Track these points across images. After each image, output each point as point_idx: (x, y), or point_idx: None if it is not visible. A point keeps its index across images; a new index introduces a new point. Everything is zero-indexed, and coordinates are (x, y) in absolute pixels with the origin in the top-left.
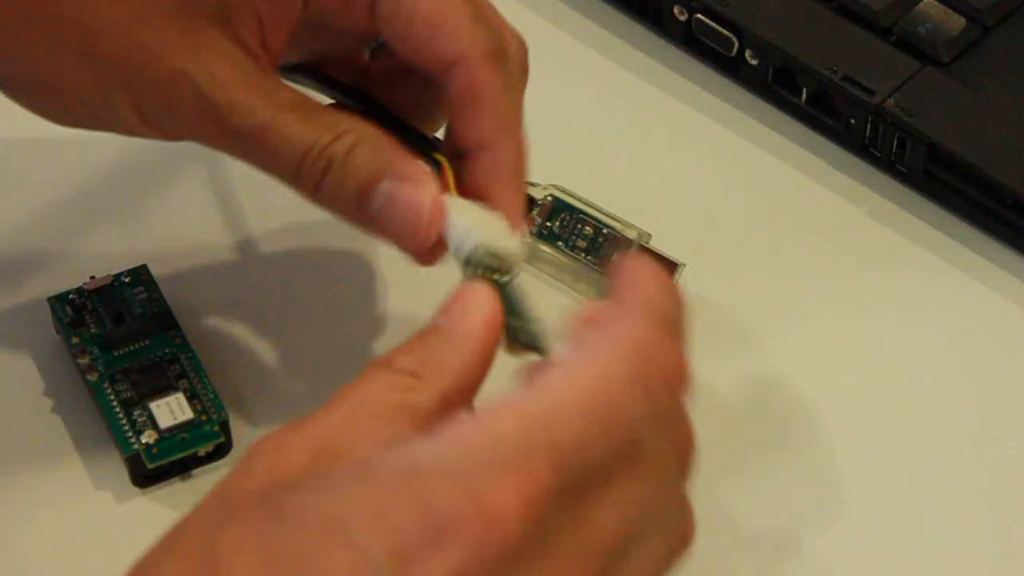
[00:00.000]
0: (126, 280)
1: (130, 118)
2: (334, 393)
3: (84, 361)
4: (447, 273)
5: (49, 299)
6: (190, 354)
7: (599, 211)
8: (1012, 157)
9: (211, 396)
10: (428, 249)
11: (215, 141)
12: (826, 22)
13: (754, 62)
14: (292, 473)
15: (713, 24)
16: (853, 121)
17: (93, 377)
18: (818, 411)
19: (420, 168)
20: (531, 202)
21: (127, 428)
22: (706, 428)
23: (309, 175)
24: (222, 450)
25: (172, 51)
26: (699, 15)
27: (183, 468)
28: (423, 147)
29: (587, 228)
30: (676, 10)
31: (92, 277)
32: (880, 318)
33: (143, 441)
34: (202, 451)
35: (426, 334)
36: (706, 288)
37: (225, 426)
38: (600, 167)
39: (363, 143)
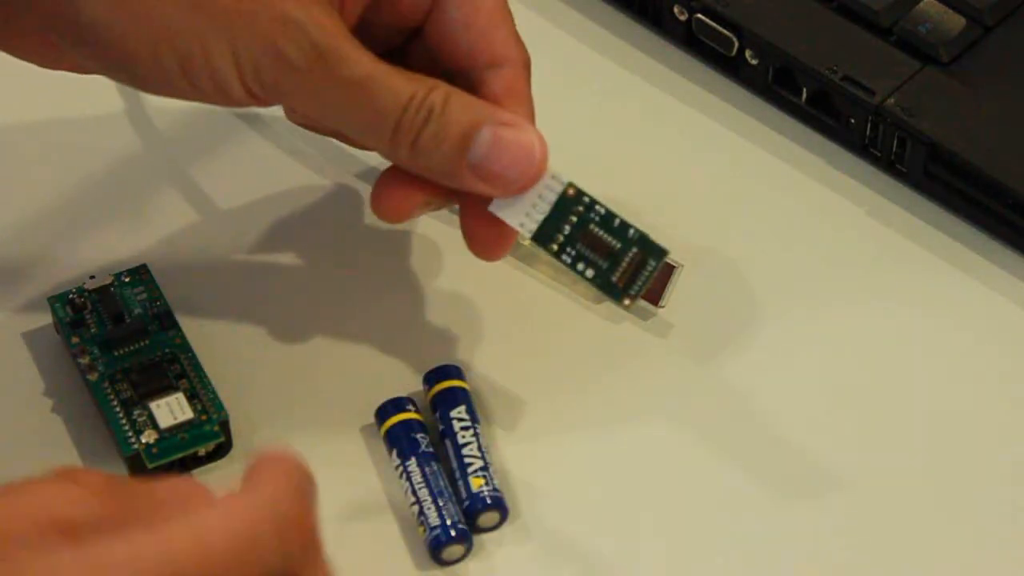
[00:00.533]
0: (126, 280)
1: (221, 69)
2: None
3: (84, 361)
4: (446, 273)
5: (49, 299)
6: (190, 354)
7: None
8: (1012, 157)
9: (211, 396)
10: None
11: (319, 101)
12: (826, 22)
13: (754, 62)
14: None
15: (713, 24)
16: (853, 121)
17: (93, 377)
18: (818, 411)
19: (515, 115)
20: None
21: (127, 428)
22: (706, 427)
23: (409, 126)
24: (222, 450)
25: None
26: (699, 15)
27: (183, 468)
28: None
29: None
30: (676, 10)
31: (92, 277)
32: (880, 318)
33: (143, 441)
34: (202, 451)
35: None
36: (705, 288)
37: (225, 426)
38: (599, 167)
39: (456, 94)
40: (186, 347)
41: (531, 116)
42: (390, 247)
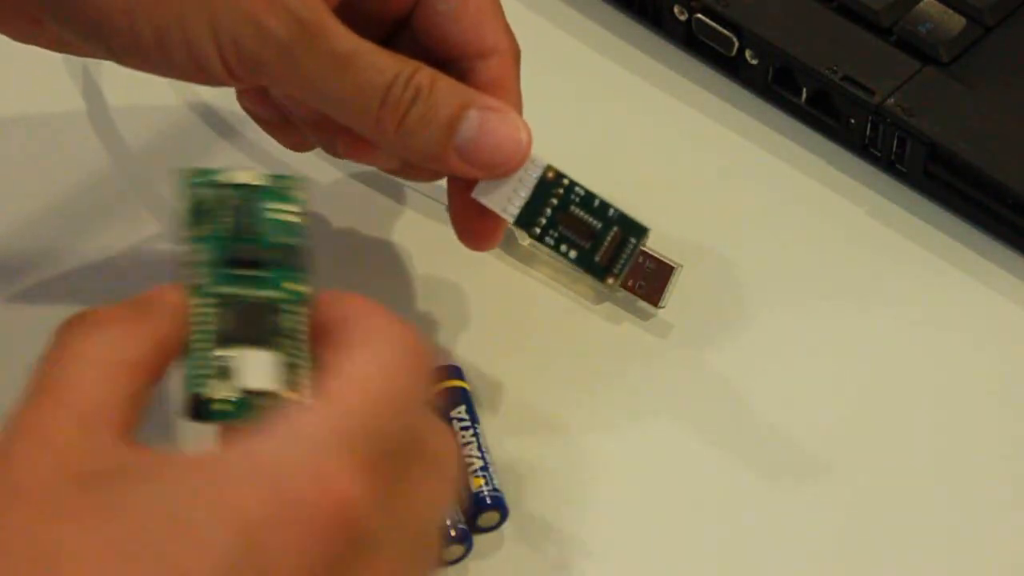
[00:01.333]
0: (272, 191)
1: (199, 42)
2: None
3: (192, 260)
4: (446, 273)
5: (186, 169)
6: (305, 311)
7: None
8: (1012, 157)
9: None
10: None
11: (300, 78)
12: (826, 22)
13: (754, 62)
14: (77, 452)
15: (713, 24)
16: (853, 121)
17: (190, 284)
18: (818, 410)
19: (500, 100)
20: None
21: (202, 364)
22: (707, 427)
23: (395, 104)
24: None
25: None
26: (699, 15)
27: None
28: None
29: None
30: (676, 10)
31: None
32: (880, 318)
33: (213, 394)
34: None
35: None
36: (705, 288)
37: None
38: (599, 167)
39: (442, 77)
40: (305, 301)
41: (518, 106)
42: (389, 248)
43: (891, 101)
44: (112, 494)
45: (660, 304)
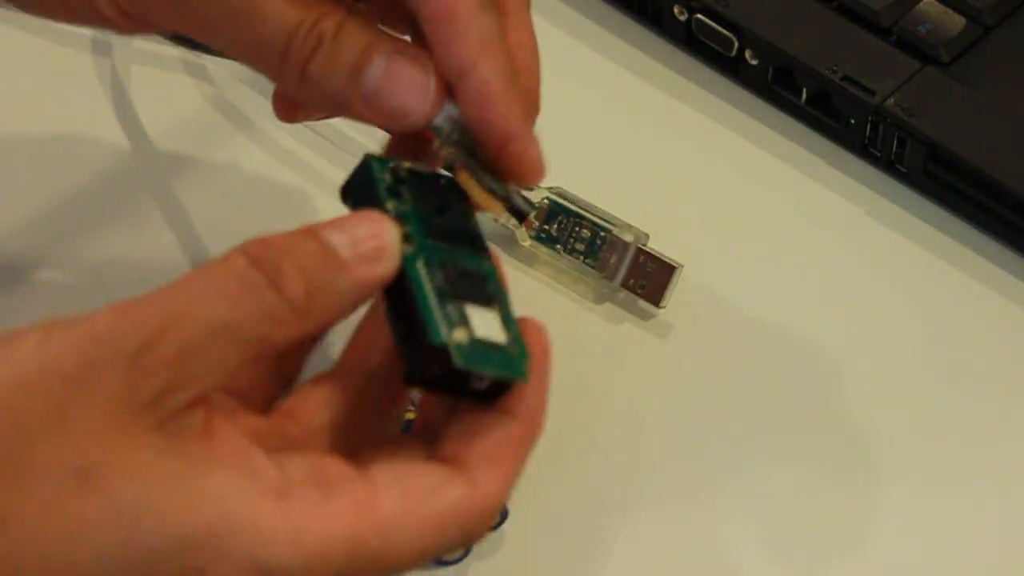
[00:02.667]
0: (443, 184)
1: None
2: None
3: (401, 230)
4: None
5: (367, 155)
6: (502, 285)
7: (596, 213)
8: (1012, 157)
9: (519, 335)
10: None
11: (195, 21)
12: (826, 22)
13: (754, 62)
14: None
15: (713, 24)
16: (853, 121)
17: (408, 249)
18: (819, 410)
19: (414, 45)
20: (527, 205)
21: (439, 315)
22: (707, 427)
23: (298, 53)
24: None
25: None
26: (699, 15)
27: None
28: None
29: (584, 231)
30: (676, 10)
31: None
32: (880, 317)
33: (456, 338)
34: (500, 380)
35: None
36: (705, 289)
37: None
38: (599, 167)
39: (352, 21)
40: (497, 275)
41: (477, 39)
42: None
43: (891, 101)
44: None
45: (661, 304)
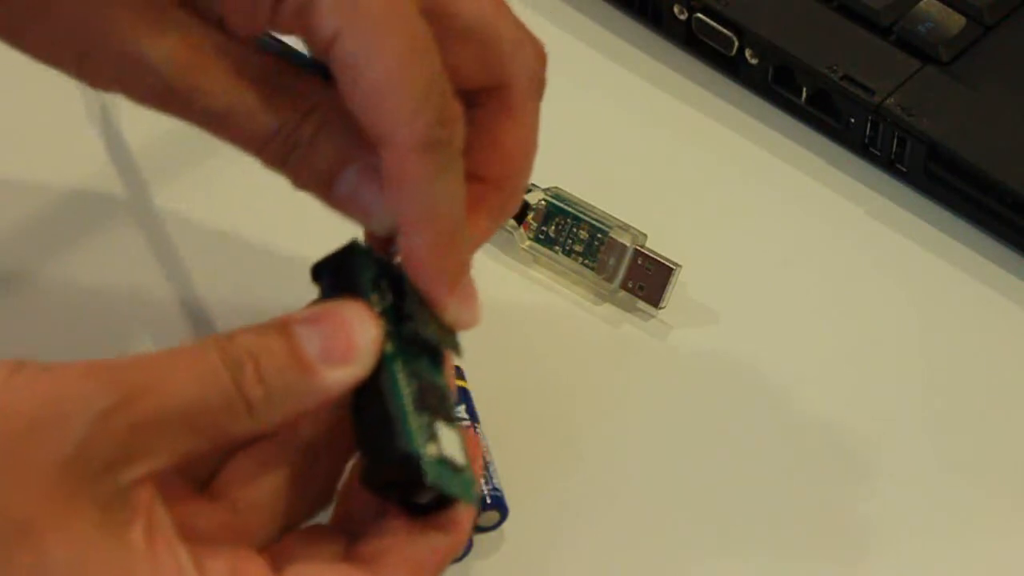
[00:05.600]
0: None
1: (81, 78)
2: None
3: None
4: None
5: (354, 240)
6: (469, 403)
7: (594, 214)
8: (1012, 157)
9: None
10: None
11: (170, 115)
12: (826, 22)
13: (754, 62)
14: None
15: (713, 23)
16: (853, 121)
17: (388, 348)
18: (819, 410)
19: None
20: (526, 207)
21: (414, 425)
22: (707, 428)
23: (272, 154)
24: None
25: (128, 30)
26: (699, 14)
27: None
28: None
29: (582, 232)
30: (676, 9)
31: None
32: (880, 317)
33: (430, 452)
34: (462, 495)
35: None
36: (704, 288)
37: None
38: (599, 167)
39: (330, 126)
40: (450, 392)
41: (416, 210)
42: None
43: (891, 101)
44: None
45: (660, 305)
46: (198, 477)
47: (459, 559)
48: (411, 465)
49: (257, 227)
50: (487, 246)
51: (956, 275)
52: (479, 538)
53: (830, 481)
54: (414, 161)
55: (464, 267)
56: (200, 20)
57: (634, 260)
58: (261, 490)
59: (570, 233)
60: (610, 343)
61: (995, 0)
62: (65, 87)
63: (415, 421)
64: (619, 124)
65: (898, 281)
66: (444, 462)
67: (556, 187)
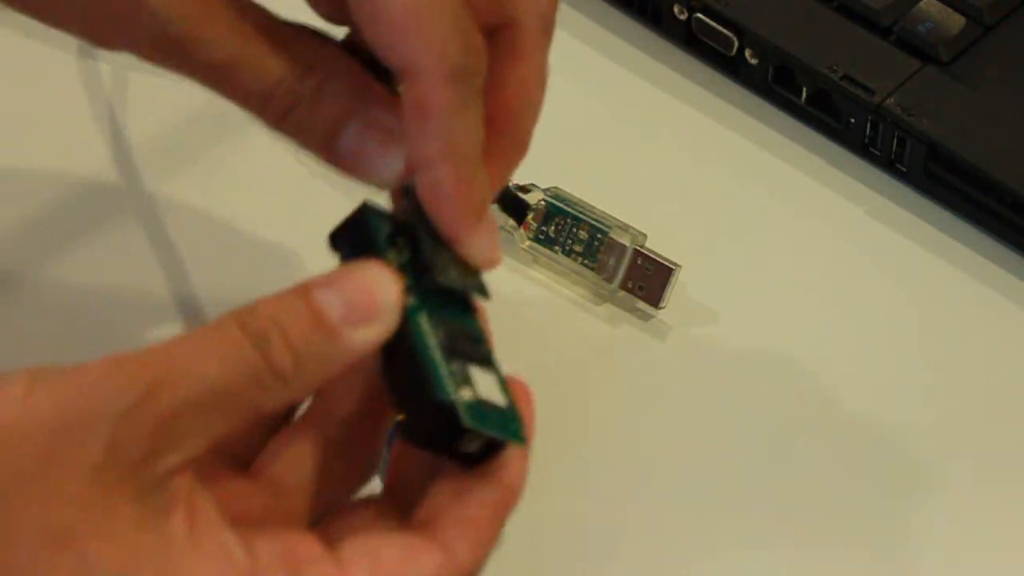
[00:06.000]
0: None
1: (80, 33)
2: None
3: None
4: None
5: (365, 202)
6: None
7: (594, 214)
8: (1012, 157)
9: (511, 399)
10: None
11: (173, 70)
12: (826, 22)
13: (754, 62)
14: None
15: (713, 23)
16: (853, 121)
17: (410, 301)
18: (819, 410)
19: (386, 112)
20: (526, 207)
21: (445, 372)
22: (707, 428)
23: (274, 110)
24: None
25: None
26: (699, 14)
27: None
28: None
29: (582, 232)
30: (676, 9)
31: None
32: (880, 317)
33: (463, 396)
34: (495, 443)
35: None
36: (704, 288)
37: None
38: (599, 167)
39: (332, 81)
40: (486, 337)
41: (444, 140)
42: None
43: (891, 101)
44: None
45: (660, 305)
46: (240, 457)
47: None
48: (446, 411)
49: (259, 224)
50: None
51: (956, 275)
52: None
53: (831, 480)
54: (442, 91)
55: (486, 202)
56: None
57: (634, 260)
58: (303, 467)
59: (570, 233)
60: (610, 343)
61: (995, 0)
62: (68, 87)
63: (445, 368)
64: (619, 124)
65: (898, 281)
66: (482, 404)
67: (556, 187)
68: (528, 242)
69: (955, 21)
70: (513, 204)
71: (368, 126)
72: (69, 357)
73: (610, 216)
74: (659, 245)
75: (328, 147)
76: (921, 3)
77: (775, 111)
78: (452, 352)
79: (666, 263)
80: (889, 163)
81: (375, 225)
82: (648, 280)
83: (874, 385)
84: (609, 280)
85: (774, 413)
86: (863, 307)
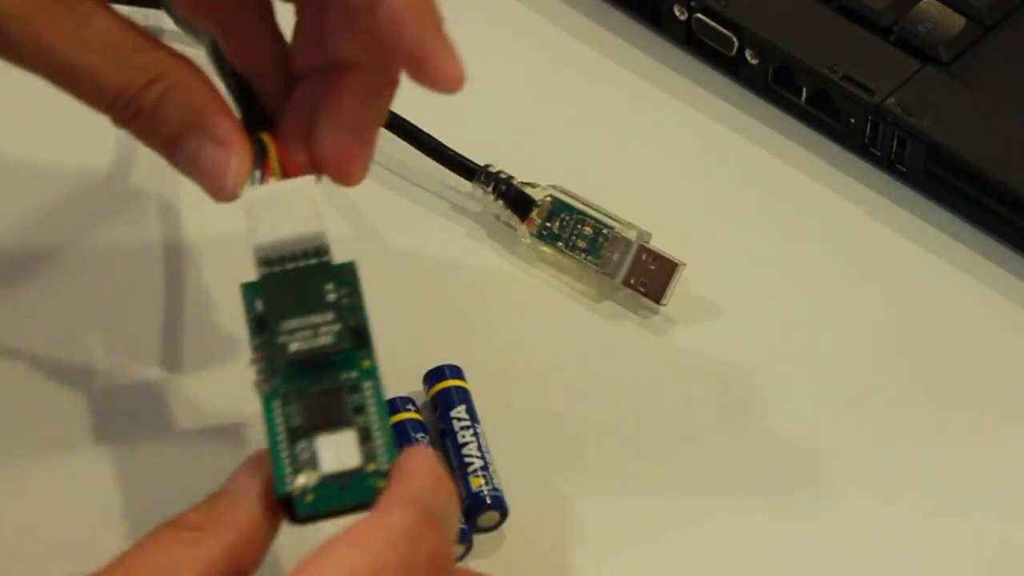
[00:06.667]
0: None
1: None
2: (120, 556)
3: (260, 368)
4: (446, 273)
5: (243, 285)
6: (375, 383)
7: (599, 211)
8: (1012, 157)
9: (385, 439)
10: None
11: (19, 67)
12: (826, 22)
13: (754, 62)
14: None
15: (713, 24)
16: (853, 121)
17: (265, 390)
18: (820, 409)
19: (229, 127)
20: (530, 203)
21: (287, 462)
22: (707, 427)
23: (116, 115)
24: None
25: None
26: (699, 15)
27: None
28: (254, 123)
29: (587, 228)
30: (676, 10)
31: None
32: (880, 317)
33: (299, 484)
34: (355, 504)
35: (213, 495)
36: (705, 288)
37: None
38: (600, 167)
39: (175, 92)
40: (373, 374)
41: (423, 39)
42: (389, 247)
43: (891, 101)
44: None
45: (662, 302)
46: None
47: (459, 559)
48: (285, 502)
49: None
50: (490, 242)
51: (956, 275)
52: (479, 538)
53: (831, 478)
54: (409, 6)
55: (442, 19)
56: None
57: (638, 256)
58: None
59: (574, 229)
60: (612, 339)
61: (995, 0)
62: None
63: (287, 457)
64: (620, 124)
65: (898, 281)
66: (324, 482)
67: (560, 185)
68: (531, 238)
69: (955, 21)
70: (517, 199)
71: (210, 138)
72: (70, 356)
73: (614, 213)
74: (659, 244)
75: (171, 154)
76: (921, 3)
77: (775, 111)
78: (305, 430)
79: (670, 259)
80: (889, 163)
81: (247, 304)
82: (651, 277)
83: (874, 384)
84: (612, 276)
85: (775, 411)
86: (863, 307)
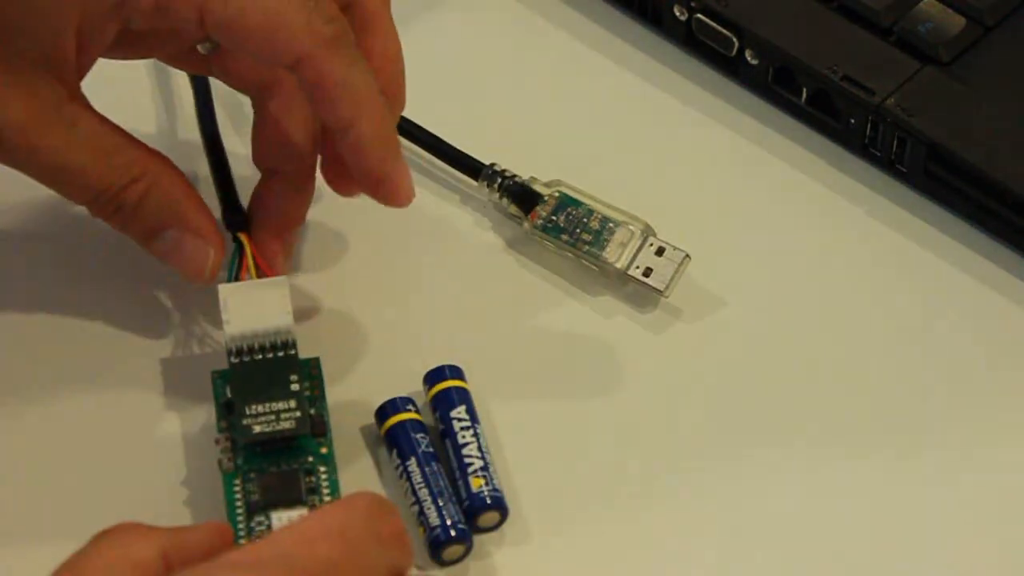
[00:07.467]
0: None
1: None
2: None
3: (223, 448)
4: (446, 272)
5: (213, 372)
6: (331, 469)
7: (605, 204)
8: (1012, 157)
9: None
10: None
11: (7, 165)
12: (826, 22)
13: (754, 62)
14: None
15: (713, 24)
16: (853, 121)
17: (228, 468)
18: (819, 408)
19: (205, 220)
20: (537, 197)
21: (243, 535)
22: (707, 426)
23: (99, 210)
24: None
25: None
26: (699, 15)
27: None
28: (231, 222)
29: (592, 222)
30: (676, 10)
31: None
32: (880, 317)
33: None
34: None
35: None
36: (705, 287)
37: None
38: (601, 168)
39: (154, 190)
40: (329, 460)
41: (352, 100)
42: (389, 247)
43: (891, 101)
44: None
45: (665, 294)
46: None
47: (459, 559)
48: None
49: None
50: (494, 238)
51: (956, 275)
52: (479, 538)
53: (831, 476)
54: (327, 59)
55: (399, 142)
56: (44, 77)
57: (643, 247)
58: None
59: (579, 223)
60: (611, 340)
61: (995, 0)
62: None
63: (244, 527)
64: (620, 124)
65: (898, 281)
66: None
67: (560, 180)
68: (536, 231)
69: (955, 21)
70: (523, 195)
71: (185, 231)
72: (69, 356)
73: (619, 209)
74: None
75: (147, 243)
76: (921, 3)
77: (775, 111)
78: (261, 506)
79: (675, 249)
80: (889, 163)
81: (217, 392)
82: (655, 269)
83: (874, 384)
84: (616, 264)
85: (775, 409)
86: (863, 307)
